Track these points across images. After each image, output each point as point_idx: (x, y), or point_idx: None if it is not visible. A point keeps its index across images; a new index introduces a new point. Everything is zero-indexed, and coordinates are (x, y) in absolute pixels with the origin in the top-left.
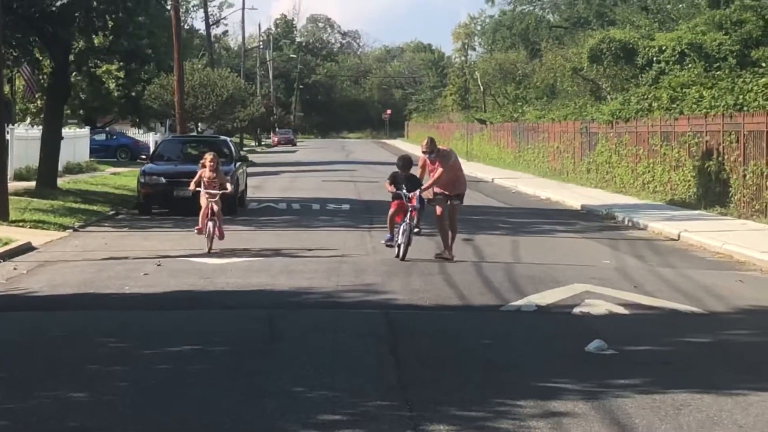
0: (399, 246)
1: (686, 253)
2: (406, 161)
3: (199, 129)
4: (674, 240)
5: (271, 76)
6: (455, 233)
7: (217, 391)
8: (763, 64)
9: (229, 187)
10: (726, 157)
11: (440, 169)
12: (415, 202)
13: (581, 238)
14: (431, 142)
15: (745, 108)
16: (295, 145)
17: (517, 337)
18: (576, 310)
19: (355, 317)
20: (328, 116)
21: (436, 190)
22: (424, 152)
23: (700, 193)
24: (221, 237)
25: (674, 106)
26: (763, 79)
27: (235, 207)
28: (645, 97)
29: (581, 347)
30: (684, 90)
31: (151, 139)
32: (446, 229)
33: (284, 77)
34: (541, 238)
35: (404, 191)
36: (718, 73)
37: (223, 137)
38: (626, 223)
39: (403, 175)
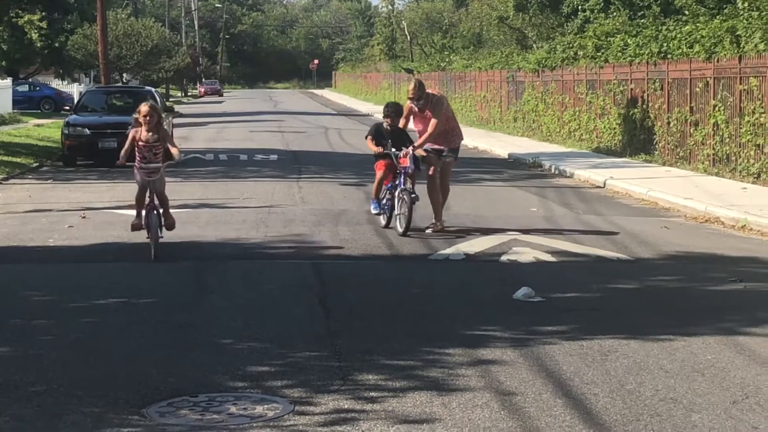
0: (390, 216)
1: (612, 201)
2: (395, 109)
3: (124, 80)
4: (600, 187)
5: (196, 26)
6: (446, 196)
7: (146, 344)
8: (686, 12)
9: (176, 154)
10: (650, 104)
11: (434, 120)
12: (407, 163)
13: (509, 187)
14: (419, 85)
15: (669, 56)
16: (221, 95)
17: (445, 285)
18: (504, 257)
19: (284, 268)
20: (254, 67)
21: (427, 145)
22: (410, 98)
23: (625, 141)
24: (170, 227)
25: (599, 54)
26: (687, 27)
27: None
28: (570, 45)
29: (509, 295)
30: (609, 38)
31: (75, 90)
32: (438, 192)
33: (210, 27)
34: (470, 187)
35: (392, 149)
36: (643, 21)
37: (148, 88)
38: (553, 171)
39: (388, 128)
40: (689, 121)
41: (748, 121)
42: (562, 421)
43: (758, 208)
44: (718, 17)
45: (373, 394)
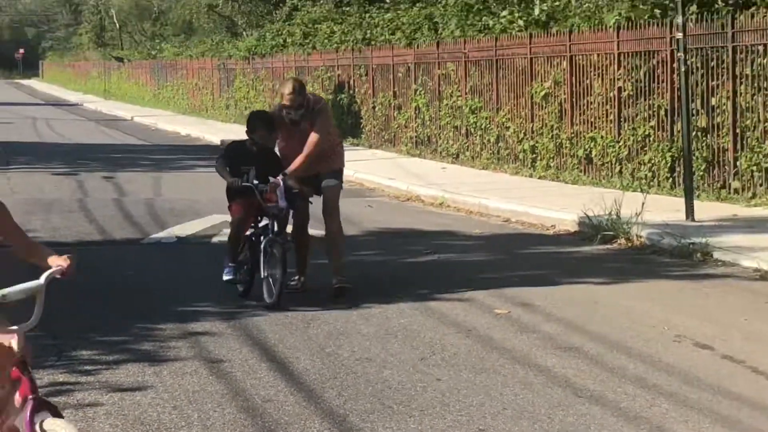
0: (251, 280)
1: None
2: (263, 121)
3: None
4: None
5: None
6: (338, 239)
7: None
8: (388, 0)
9: None
10: (357, 90)
11: (314, 134)
12: (277, 200)
13: None
14: (300, 89)
15: (373, 42)
16: None
17: (158, 266)
18: (215, 239)
19: None
20: None
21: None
22: (286, 107)
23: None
24: None
25: (307, 41)
26: (388, 14)
27: None
28: (279, 33)
29: (220, 273)
30: (316, 26)
31: None
32: (307, 236)
33: None
34: (183, 173)
35: (254, 181)
36: (348, 9)
37: None
38: None
39: (253, 149)
40: (393, 105)
41: (447, 104)
42: (266, 382)
43: (454, 186)
44: (417, 5)
45: (87, 367)
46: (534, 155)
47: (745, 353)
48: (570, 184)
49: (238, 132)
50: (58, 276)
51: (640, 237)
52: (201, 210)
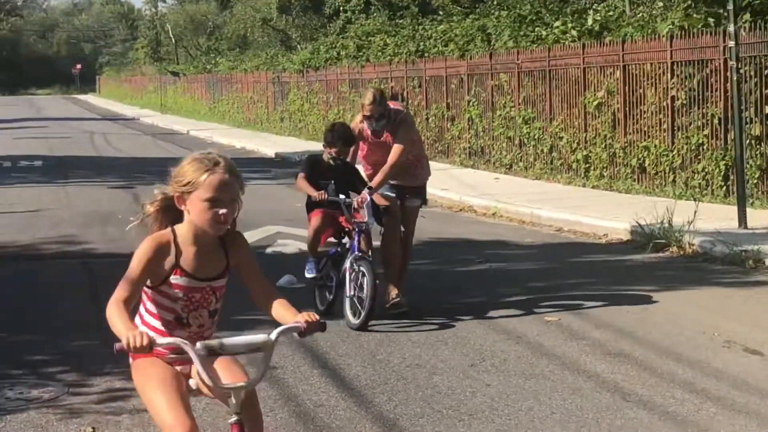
0: (334, 296)
1: None
2: (343, 134)
3: None
4: None
5: None
6: (408, 257)
7: None
8: (441, 12)
9: None
10: (410, 101)
11: (398, 145)
12: (363, 216)
13: (276, 185)
14: (381, 98)
15: (426, 54)
16: None
17: None
18: (269, 249)
19: (54, 267)
20: (14, 73)
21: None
22: (367, 116)
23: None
24: None
25: (361, 54)
26: (441, 26)
27: None
28: (333, 46)
29: (274, 283)
30: (369, 38)
31: None
32: (399, 247)
33: None
34: None
35: (340, 195)
36: (401, 21)
37: None
38: None
39: (331, 163)
40: (446, 116)
41: (500, 115)
42: (317, 388)
43: (507, 197)
44: (470, 17)
45: None
46: (587, 165)
47: None
48: (623, 193)
49: (292, 145)
50: (294, 333)
51: (692, 245)
52: (255, 221)
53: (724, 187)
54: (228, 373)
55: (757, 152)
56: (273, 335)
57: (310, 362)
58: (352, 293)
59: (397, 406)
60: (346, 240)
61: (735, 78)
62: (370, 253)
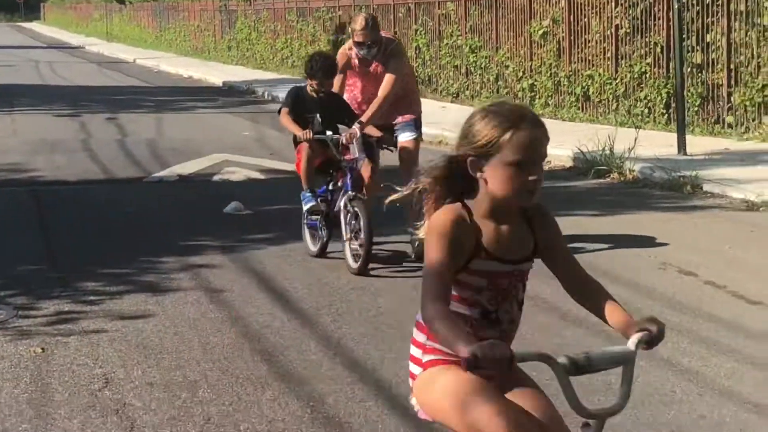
0: (327, 239)
1: None
2: (325, 65)
3: None
4: None
5: None
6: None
7: None
8: None
9: None
10: None
11: (390, 75)
12: (353, 153)
13: (223, 113)
14: (374, 23)
15: None
16: None
17: (159, 204)
18: (216, 177)
19: (1, 195)
20: None
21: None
22: (358, 43)
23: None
24: None
25: None
26: None
27: None
28: None
29: (221, 210)
30: None
31: None
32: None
33: None
34: (184, 114)
35: (327, 132)
36: None
37: None
38: (266, 97)
39: (314, 96)
40: None
41: (447, 44)
42: (264, 310)
43: (454, 125)
44: None
45: (91, 297)
46: (532, 93)
47: (726, 279)
48: (567, 121)
49: (240, 74)
50: (644, 346)
51: (633, 171)
52: (202, 149)
53: (666, 115)
54: (532, 403)
55: (698, 80)
56: (631, 345)
57: (256, 285)
58: (348, 236)
59: (341, 326)
60: (345, 184)
61: (676, 6)
62: (364, 191)
